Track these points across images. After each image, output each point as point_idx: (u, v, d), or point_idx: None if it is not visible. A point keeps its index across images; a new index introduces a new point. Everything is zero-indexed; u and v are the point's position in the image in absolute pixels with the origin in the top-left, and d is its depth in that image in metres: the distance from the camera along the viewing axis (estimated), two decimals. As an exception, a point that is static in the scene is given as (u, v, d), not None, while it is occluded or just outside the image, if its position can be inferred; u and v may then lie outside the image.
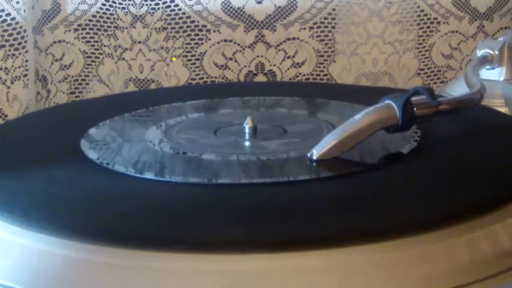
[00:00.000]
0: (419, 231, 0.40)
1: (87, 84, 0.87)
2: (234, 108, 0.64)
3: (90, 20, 0.85)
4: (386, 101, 0.51)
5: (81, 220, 0.43)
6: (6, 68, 0.78)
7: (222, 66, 0.88)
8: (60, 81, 0.86)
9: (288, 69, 0.89)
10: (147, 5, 0.84)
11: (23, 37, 0.78)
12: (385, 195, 0.45)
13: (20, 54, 0.78)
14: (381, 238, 0.39)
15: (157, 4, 0.85)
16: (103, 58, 0.86)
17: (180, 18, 0.85)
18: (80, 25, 0.85)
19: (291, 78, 0.89)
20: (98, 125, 0.58)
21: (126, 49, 0.86)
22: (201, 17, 0.86)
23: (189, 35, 0.86)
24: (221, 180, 0.48)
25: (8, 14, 0.77)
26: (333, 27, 0.88)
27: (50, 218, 0.43)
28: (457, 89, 0.71)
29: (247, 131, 0.55)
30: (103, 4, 0.84)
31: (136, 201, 0.45)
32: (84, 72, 0.86)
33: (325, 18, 0.88)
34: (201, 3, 0.85)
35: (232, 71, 0.88)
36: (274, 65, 0.89)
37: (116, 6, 0.84)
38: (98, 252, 0.40)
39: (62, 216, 0.43)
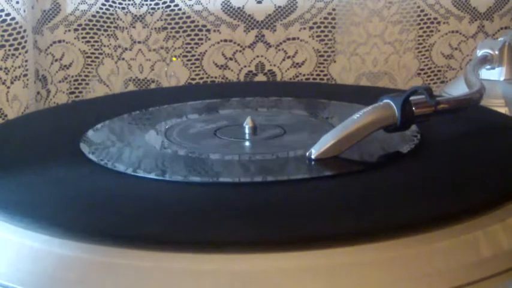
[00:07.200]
0: (418, 231, 0.40)
1: (87, 84, 0.87)
2: (234, 108, 0.64)
3: (90, 20, 0.85)
4: (385, 101, 0.51)
5: (81, 220, 0.43)
6: (6, 68, 0.78)
7: (222, 66, 0.88)
8: (60, 81, 0.86)
9: (288, 69, 0.89)
10: (147, 5, 0.84)
11: (23, 37, 0.78)
12: (384, 195, 0.45)
13: (20, 54, 0.78)
14: (379, 238, 0.39)
15: (157, 4, 0.85)
16: (103, 58, 0.86)
17: (180, 18, 0.85)
18: (79, 25, 0.85)
19: (291, 78, 0.89)
20: (97, 125, 0.58)
21: (126, 49, 0.86)
22: (201, 17, 0.86)
23: (189, 35, 0.86)
24: (221, 179, 0.48)
25: (8, 14, 0.77)
26: (333, 27, 0.88)
27: (50, 217, 0.43)
28: (457, 89, 0.71)
29: (247, 131, 0.55)
30: (103, 4, 0.84)
31: (137, 201, 0.45)
32: (84, 72, 0.86)
33: (325, 18, 0.88)
34: (201, 3, 0.85)
35: (232, 71, 0.88)
36: (274, 65, 0.89)
37: (115, 6, 0.84)
38: (98, 252, 0.40)
39: (62, 216, 0.43)
